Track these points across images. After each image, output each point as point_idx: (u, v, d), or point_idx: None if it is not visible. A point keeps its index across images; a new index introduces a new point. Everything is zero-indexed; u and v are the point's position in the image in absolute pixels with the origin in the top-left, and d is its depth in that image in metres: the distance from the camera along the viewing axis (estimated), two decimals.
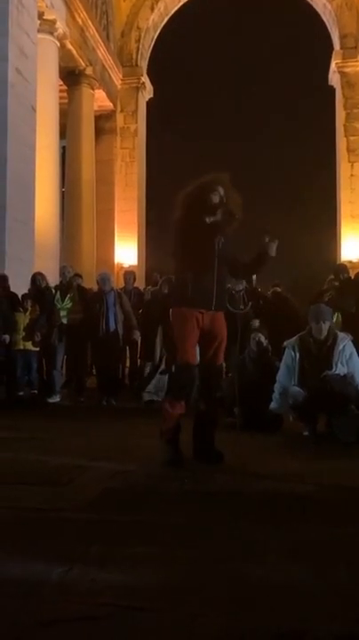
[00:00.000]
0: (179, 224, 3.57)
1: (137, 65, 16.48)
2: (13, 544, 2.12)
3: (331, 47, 15.87)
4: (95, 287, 8.00)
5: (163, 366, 6.72)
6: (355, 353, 4.70)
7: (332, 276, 8.13)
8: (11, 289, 7.51)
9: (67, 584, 1.77)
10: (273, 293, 8.36)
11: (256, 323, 6.95)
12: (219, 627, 1.52)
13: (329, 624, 1.53)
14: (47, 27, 11.31)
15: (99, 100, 14.99)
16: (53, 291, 7.46)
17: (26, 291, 7.38)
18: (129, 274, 9.40)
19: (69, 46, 12.70)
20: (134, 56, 16.48)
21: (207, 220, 3.53)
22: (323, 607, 1.62)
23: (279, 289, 8.63)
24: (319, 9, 16.13)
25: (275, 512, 2.55)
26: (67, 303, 7.36)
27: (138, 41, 16.48)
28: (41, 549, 2.05)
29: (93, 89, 14.36)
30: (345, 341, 4.66)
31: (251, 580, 1.80)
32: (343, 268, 8.43)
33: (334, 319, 5.71)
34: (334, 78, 15.59)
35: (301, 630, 1.49)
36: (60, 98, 12.52)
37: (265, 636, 1.48)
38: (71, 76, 13.77)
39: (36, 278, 7.36)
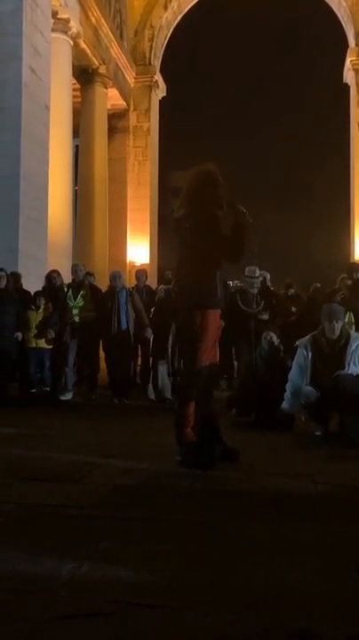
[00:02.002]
0: (203, 216, 3.44)
1: (150, 63, 16.47)
2: (24, 540, 2.14)
3: (345, 44, 15.75)
4: (107, 286, 8.03)
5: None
6: None
7: (345, 275, 8.10)
8: (24, 287, 7.55)
9: (78, 580, 1.78)
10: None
11: (264, 316, 6.96)
12: (229, 626, 1.52)
13: (338, 625, 1.52)
14: (61, 26, 11.33)
15: (112, 98, 15.00)
16: (65, 289, 7.50)
17: (39, 289, 7.42)
18: (141, 272, 9.42)
19: (83, 45, 12.72)
20: (147, 54, 16.47)
21: (219, 213, 3.48)
22: (333, 608, 1.62)
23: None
24: (334, 6, 16.00)
25: (285, 511, 2.54)
26: (80, 301, 7.39)
27: (151, 39, 16.47)
28: (52, 545, 2.06)
29: (106, 87, 14.38)
30: (358, 341, 4.63)
31: (260, 580, 1.80)
32: (356, 266, 8.39)
33: (346, 319, 5.68)
34: (349, 76, 15.48)
35: (310, 631, 1.49)
36: (74, 96, 12.54)
37: (274, 635, 1.47)
38: (84, 75, 13.80)
39: (52, 276, 7.40)
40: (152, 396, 6.99)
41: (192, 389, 3.51)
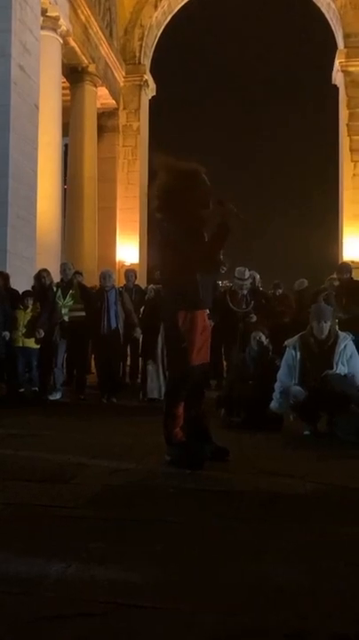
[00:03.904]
0: (182, 217, 3.41)
1: (140, 63, 16.44)
2: (13, 541, 2.12)
3: (334, 46, 15.84)
4: (96, 285, 8.01)
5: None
6: (356, 353, 4.70)
7: (334, 276, 8.13)
8: (13, 286, 7.51)
9: (66, 581, 1.77)
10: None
11: (253, 318, 6.99)
12: (217, 625, 1.52)
13: (328, 624, 1.52)
14: (50, 23, 11.28)
15: (101, 97, 14.96)
16: (54, 288, 7.46)
17: (27, 288, 7.38)
18: (130, 272, 9.42)
19: (72, 43, 12.67)
20: (137, 54, 16.44)
21: (203, 213, 3.48)
22: (322, 607, 1.62)
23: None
24: (323, 8, 16.08)
25: (275, 511, 2.55)
26: (69, 301, 7.36)
27: (141, 39, 16.44)
28: (40, 546, 2.05)
29: (96, 86, 14.33)
30: (346, 341, 4.66)
31: (249, 579, 1.80)
32: (346, 267, 8.38)
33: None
34: (338, 77, 15.56)
35: (300, 630, 1.49)
36: (63, 95, 12.49)
37: (263, 635, 1.47)
38: (74, 74, 13.74)
39: (42, 275, 7.35)
40: (153, 395, 6.92)
41: (180, 390, 3.51)
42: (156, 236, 3.67)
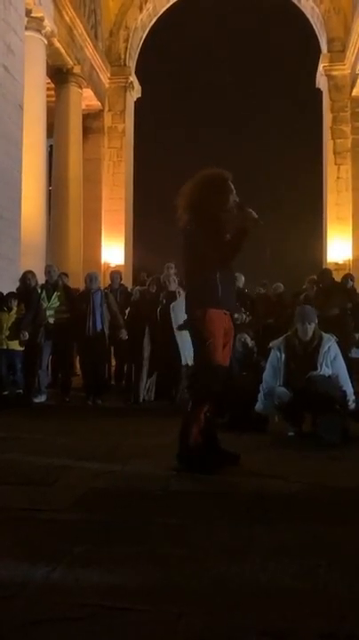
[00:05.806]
0: (204, 219, 3.46)
1: (125, 64, 16.43)
2: None
3: (318, 50, 15.99)
4: (81, 287, 7.98)
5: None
6: (340, 354, 4.75)
7: (314, 277, 8.27)
8: None
9: (52, 584, 1.77)
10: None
11: (239, 320, 7.02)
12: (204, 626, 1.52)
13: (311, 623, 1.54)
14: (35, 24, 11.22)
15: (86, 98, 14.91)
16: (39, 290, 7.42)
17: (11, 289, 7.32)
18: (115, 273, 9.40)
19: (57, 44, 12.62)
20: (122, 55, 16.43)
21: (226, 215, 3.51)
22: (306, 606, 1.63)
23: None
24: (307, 12, 16.23)
25: (260, 512, 2.56)
26: (55, 302, 7.32)
27: (126, 40, 16.44)
28: (25, 549, 2.04)
29: (81, 88, 14.28)
30: (330, 343, 4.70)
31: (235, 580, 1.81)
32: (327, 273, 8.48)
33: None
34: (321, 81, 15.71)
35: (284, 629, 1.50)
36: (48, 96, 12.43)
37: (248, 634, 1.48)
38: (59, 75, 13.68)
39: (27, 277, 7.30)
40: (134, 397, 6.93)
41: (208, 391, 3.48)
42: (180, 241, 3.67)
